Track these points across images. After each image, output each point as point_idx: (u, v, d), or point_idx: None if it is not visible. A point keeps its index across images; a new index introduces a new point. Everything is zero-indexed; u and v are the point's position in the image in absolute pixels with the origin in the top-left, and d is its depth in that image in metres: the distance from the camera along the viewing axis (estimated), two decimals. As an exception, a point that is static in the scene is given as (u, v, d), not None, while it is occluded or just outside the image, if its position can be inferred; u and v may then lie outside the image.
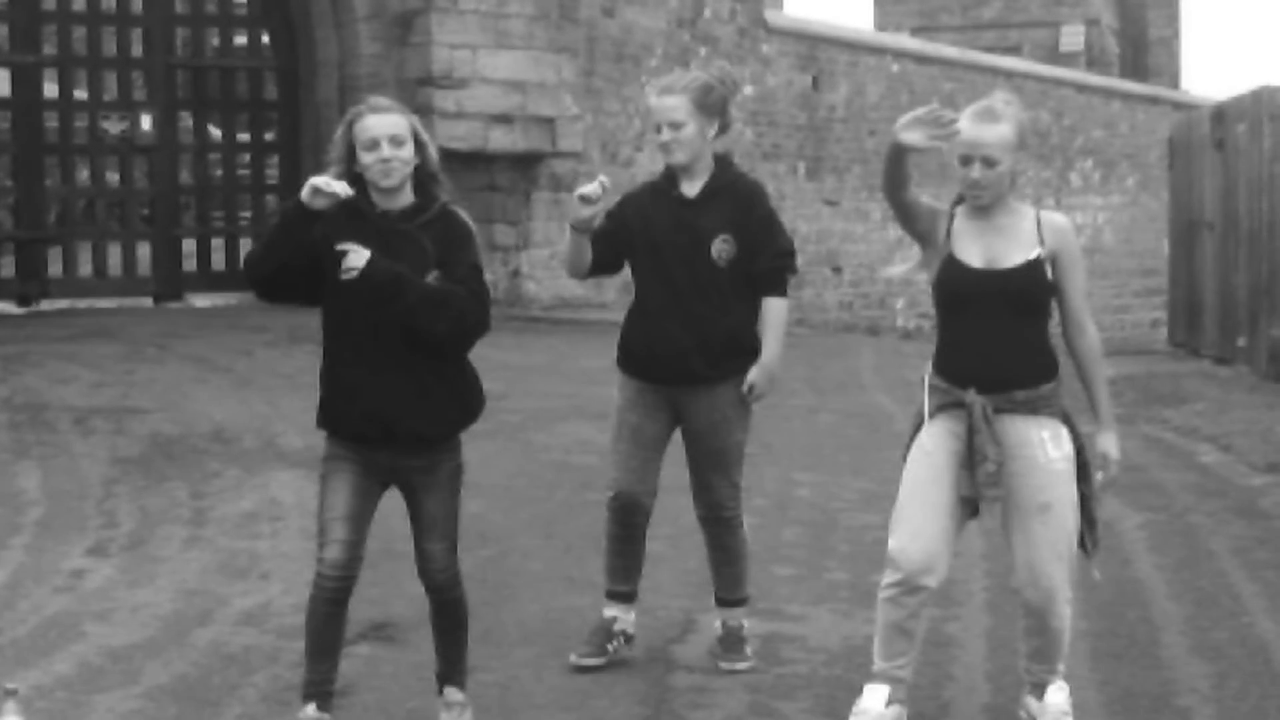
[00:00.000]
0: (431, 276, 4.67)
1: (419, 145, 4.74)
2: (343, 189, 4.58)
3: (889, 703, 4.86)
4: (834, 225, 20.43)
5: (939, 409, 4.88)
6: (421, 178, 4.77)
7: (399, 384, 4.69)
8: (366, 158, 4.68)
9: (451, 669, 4.98)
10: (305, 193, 4.59)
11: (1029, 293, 4.83)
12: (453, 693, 4.97)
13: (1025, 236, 4.84)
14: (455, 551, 4.89)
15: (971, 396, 4.81)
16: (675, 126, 5.42)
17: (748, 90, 19.19)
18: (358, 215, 4.73)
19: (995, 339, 4.81)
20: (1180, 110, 23.67)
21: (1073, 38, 38.82)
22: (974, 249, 4.85)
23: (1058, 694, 4.95)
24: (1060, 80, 25.29)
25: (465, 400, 4.83)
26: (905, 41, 23.98)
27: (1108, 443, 4.92)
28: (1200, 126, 15.95)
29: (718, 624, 5.70)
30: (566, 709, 5.20)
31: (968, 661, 5.68)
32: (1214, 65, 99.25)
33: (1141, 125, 25.91)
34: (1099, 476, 4.92)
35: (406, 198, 4.76)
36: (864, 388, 12.47)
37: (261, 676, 5.47)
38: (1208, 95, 27.02)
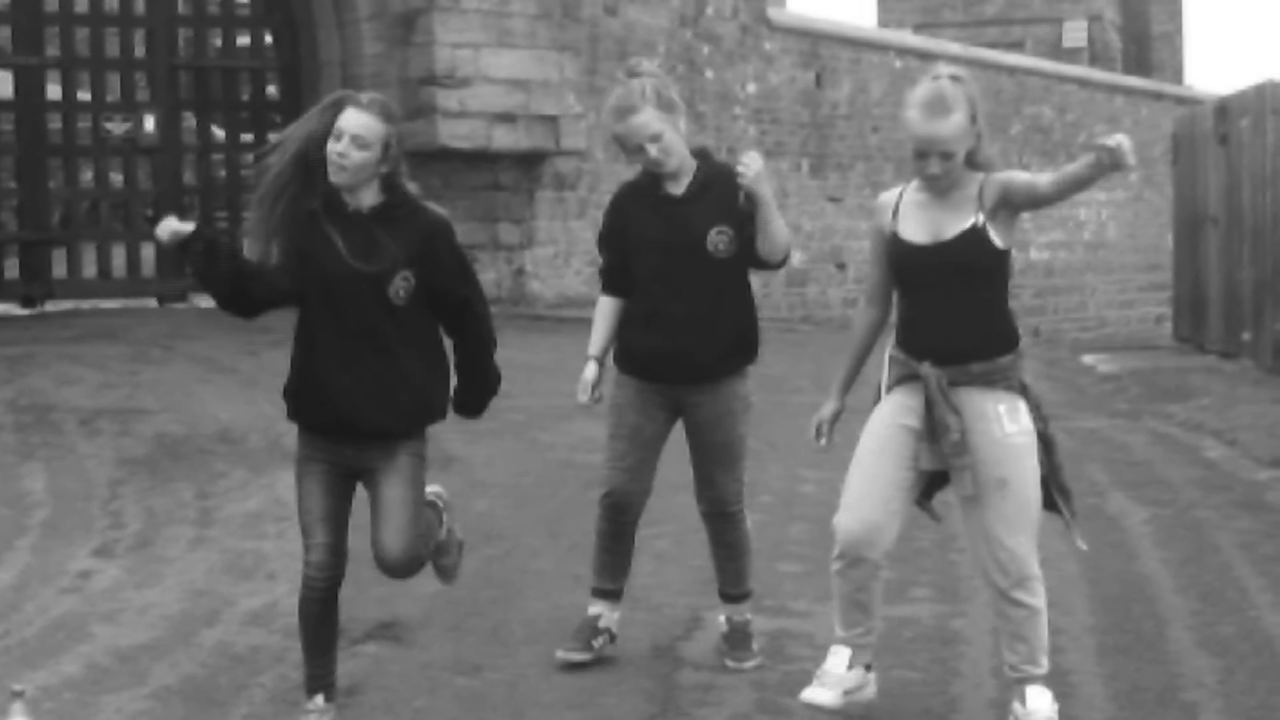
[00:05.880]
0: (400, 276, 4.68)
1: (388, 156, 4.74)
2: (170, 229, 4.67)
3: (850, 666, 4.87)
4: (838, 222, 20.42)
5: (897, 381, 4.88)
6: (391, 184, 4.79)
7: (364, 380, 4.74)
8: (330, 145, 4.71)
9: None
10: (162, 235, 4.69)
11: (971, 262, 4.75)
12: None
13: (967, 204, 4.75)
14: (413, 541, 4.84)
15: (926, 369, 4.79)
16: (656, 139, 5.37)
17: (751, 88, 19.19)
18: (331, 209, 4.76)
19: (950, 311, 4.76)
20: (1184, 105, 23.68)
21: (1075, 33, 38.82)
22: (920, 224, 4.80)
23: (1040, 698, 4.82)
24: (1063, 76, 25.29)
25: (426, 397, 4.83)
26: (908, 38, 23.97)
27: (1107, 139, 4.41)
28: (1204, 122, 15.94)
29: (722, 619, 5.69)
30: (573, 707, 5.19)
31: (974, 657, 5.68)
32: (1217, 60, 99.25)
33: (1145, 121, 25.90)
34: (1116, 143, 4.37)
35: (372, 197, 4.77)
36: (868, 384, 12.42)
37: (268, 676, 5.48)
38: (1211, 90, 27.01)
